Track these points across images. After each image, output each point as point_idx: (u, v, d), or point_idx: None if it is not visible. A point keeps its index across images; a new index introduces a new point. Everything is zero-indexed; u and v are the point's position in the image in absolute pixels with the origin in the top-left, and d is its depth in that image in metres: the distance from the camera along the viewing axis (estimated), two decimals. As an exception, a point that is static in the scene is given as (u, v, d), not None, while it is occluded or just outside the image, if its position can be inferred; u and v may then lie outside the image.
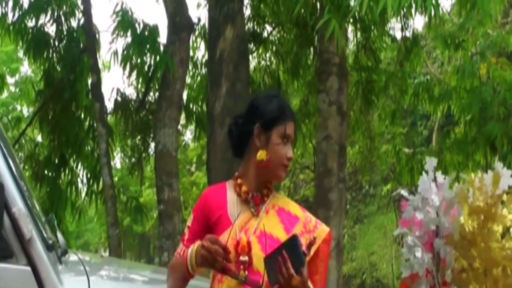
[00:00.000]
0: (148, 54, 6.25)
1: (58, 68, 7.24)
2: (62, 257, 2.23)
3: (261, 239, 1.93)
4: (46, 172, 7.24)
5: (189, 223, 2.04)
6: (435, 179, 2.36)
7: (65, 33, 7.13)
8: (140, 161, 7.70)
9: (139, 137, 7.57)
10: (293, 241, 1.80)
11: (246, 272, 1.87)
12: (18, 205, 2.00)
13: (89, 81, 6.98)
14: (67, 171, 7.23)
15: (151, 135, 7.54)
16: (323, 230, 2.05)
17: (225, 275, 1.83)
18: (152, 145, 7.76)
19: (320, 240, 2.01)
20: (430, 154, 7.17)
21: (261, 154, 1.97)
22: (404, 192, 2.39)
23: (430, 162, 2.37)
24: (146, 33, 6.24)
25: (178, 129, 6.16)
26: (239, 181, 2.04)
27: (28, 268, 1.99)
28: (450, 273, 2.15)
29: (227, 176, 6.07)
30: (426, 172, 2.34)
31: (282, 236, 1.94)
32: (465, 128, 7.27)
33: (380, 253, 15.04)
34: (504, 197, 2.12)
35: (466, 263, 2.10)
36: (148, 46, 6.06)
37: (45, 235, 2.13)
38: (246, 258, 1.88)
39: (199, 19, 7.60)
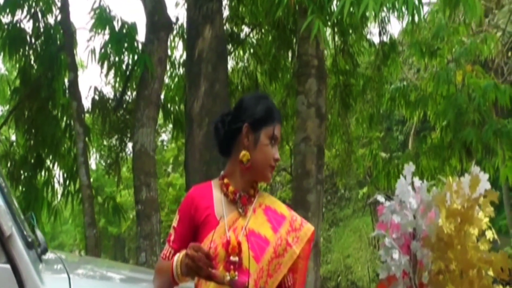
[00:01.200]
0: (126, 53, 6.18)
1: (35, 66, 7.13)
2: (42, 256, 2.20)
3: (250, 238, 1.93)
4: (22, 171, 7.12)
5: (174, 223, 2.01)
6: (412, 184, 2.39)
7: (42, 30, 7.02)
8: (117, 161, 7.62)
9: (116, 136, 7.50)
10: None
11: (236, 273, 1.86)
12: None
13: (66, 80, 6.91)
14: (43, 171, 7.12)
15: (128, 135, 7.50)
16: (308, 228, 2.05)
17: (211, 281, 1.81)
18: (129, 145, 7.73)
19: (306, 238, 2.02)
20: (407, 159, 7.25)
21: (244, 155, 1.97)
22: (380, 198, 2.43)
23: (408, 168, 2.38)
24: (124, 31, 6.18)
25: (156, 128, 6.10)
26: (225, 180, 2.02)
27: (8, 266, 1.95)
28: (427, 275, 2.16)
29: (205, 177, 6.09)
30: (404, 176, 2.35)
31: (270, 235, 1.96)
32: (441, 133, 7.36)
33: (355, 256, 15.15)
34: (481, 201, 2.15)
35: (443, 265, 2.12)
36: (126, 44, 5.99)
37: (25, 232, 2.09)
38: (237, 258, 1.87)
39: (177, 19, 7.61)
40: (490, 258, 2.10)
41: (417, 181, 2.38)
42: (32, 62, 7.19)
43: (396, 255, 2.32)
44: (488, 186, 2.19)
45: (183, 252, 1.80)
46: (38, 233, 2.44)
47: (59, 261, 2.51)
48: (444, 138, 7.23)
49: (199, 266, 1.72)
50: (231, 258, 1.87)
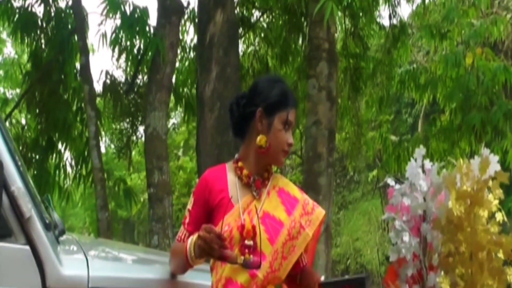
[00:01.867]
0: (138, 37, 6.20)
1: (46, 50, 7.16)
2: (59, 237, 2.21)
3: (264, 220, 1.94)
4: (33, 155, 7.18)
5: (189, 206, 2.03)
6: (422, 167, 2.40)
7: (53, 14, 7.04)
8: (128, 145, 7.67)
9: (127, 120, 7.54)
10: (362, 280, 1.88)
11: (251, 256, 1.88)
12: (17, 183, 1.97)
13: (78, 63, 6.93)
14: (54, 154, 7.16)
15: (140, 119, 7.54)
16: (320, 212, 2.08)
17: (224, 262, 1.84)
18: (140, 128, 7.78)
19: (318, 221, 2.05)
20: (417, 142, 7.25)
21: (260, 139, 1.97)
22: (390, 181, 2.46)
23: (419, 151, 2.40)
24: (136, 15, 6.19)
25: (168, 112, 6.15)
26: (239, 164, 2.03)
27: (27, 247, 1.96)
28: (437, 257, 2.20)
29: (216, 160, 6.14)
30: (415, 159, 2.37)
31: (284, 218, 1.98)
32: (450, 116, 7.34)
33: (364, 239, 15.20)
34: (490, 183, 2.16)
35: (452, 247, 2.15)
36: (138, 28, 6.01)
37: (43, 215, 2.10)
38: (251, 242, 1.89)
39: (188, 3, 7.58)
40: (500, 240, 2.12)
41: (427, 164, 2.40)
42: (43, 46, 7.21)
43: (406, 238, 2.34)
44: (498, 168, 2.19)
45: (196, 234, 1.82)
46: (55, 215, 2.43)
47: (75, 243, 2.52)
48: (453, 121, 7.22)
49: (211, 247, 1.73)
50: (246, 242, 1.89)
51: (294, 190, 2.08)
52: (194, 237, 1.83)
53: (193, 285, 2.18)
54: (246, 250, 1.88)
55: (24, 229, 1.96)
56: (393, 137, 8.52)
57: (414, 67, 7.80)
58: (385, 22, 9.95)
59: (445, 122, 7.54)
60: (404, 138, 8.48)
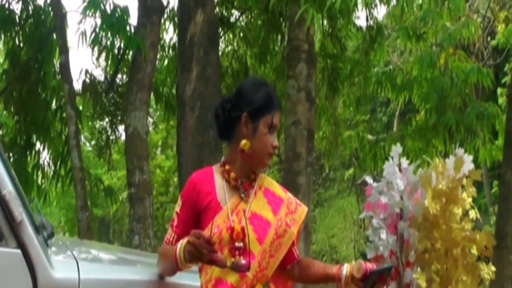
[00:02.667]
0: (118, 36, 6.19)
1: (24, 48, 7.11)
2: (48, 240, 2.20)
3: (253, 220, 1.98)
4: (11, 154, 7.11)
5: (177, 209, 2.04)
6: (399, 165, 2.46)
7: (31, 11, 6.98)
8: (107, 144, 7.65)
9: (106, 119, 7.52)
10: (390, 268, 2.11)
11: (241, 258, 1.91)
12: (8, 187, 1.96)
13: (56, 62, 6.87)
14: (33, 154, 7.11)
15: (119, 118, 7.52)
16: (302, 210, 2.13)
17: (213, 265, 1.86)
18: (120, 128, 7.76)
19: (301, 219, 2.10)
20: (392, 141, 7.39)
21: (244, 144, 1.98)
22: (369, 179, 2.51)
23: (396, 149, 2.46)
24: (117, 14, 6.19)
25: (148, 112, 6.16)
26: (226, 167, 2.04)
27: (19, 251, 1.95)
28: (413, 254, 2.28)
29: (197, 160, 6.17)
30: (392, 158, 2.43)
31: (271, 217, 2.03)
32: (425, 116, 7.51)
33: (340, 236, 15.36)
34: (464, 181, 2.26)
35: (429, 244, 2.23)
36: (118, 28, 6.00)
37: (32, 217, 2.11)
38: (241, 244, 1.92)
39: (168, 2, 7.57)
40: (474, 237, 2.21)
41: (404, 162, 2.46)
42: (21, 44, 7.15)
43: (384, 235, 2.40)
44: (471, 166, 2.28)
45: (186, 239, 1.83)
46: (44, 217, 2.42)
47: (63, 245, 2.50)
48: (428, 121, 7.39)
49: (201, 252, 1.75)
50: (236, 244, 1.92)
51: (278, 190, 2.12)
52: (183, 242, 1.85)
53: (183, 286, 2.21)
54: (237, 252, 1.91)
55: (15, 233, 1.95)
56: (369, 136, 8.65)
57: (390, 68, 7.92)
58: (362, 22, 10.06)
59: (420, 121, 7.70)
60: (380, 137, 8.60)
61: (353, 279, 2.03)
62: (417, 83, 7.48)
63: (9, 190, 1.96)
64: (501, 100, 9.61)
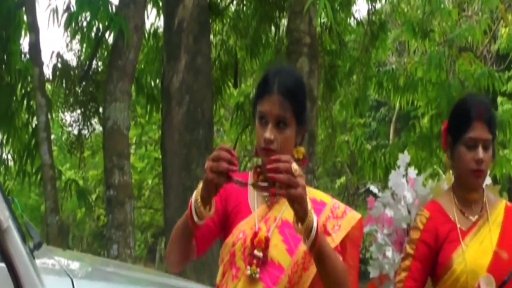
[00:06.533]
0: (97, 16, 5.52)
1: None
2: (34, 251, 1.89)
3: (283, 229, 1.77)
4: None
5: None
6: (406, 175, 2.39)
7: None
8: (79, 139, 6.95)
9: (79, 111, 6.83)
10: None
11: (258, 269, 1.72)
12: None
13: (25, 41, 6.28)
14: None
15: (92, 110, 6.85)
16: (352, 216, 1.85)
17: (231, 181, 1.60)
18: (93, 121, 7.12)
19: (349, 226, 1.81)
20: (394, 148, 6.91)
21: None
22: (374, 188, 2.44)
23: (403, 157, 2.38)
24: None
25: (130, 104, 5.47)
26: (258, 169, 1.85)
27: (3, 265, 1.68)
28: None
29: (185, 161, 5.49)
30: (398, 167, 2.37)
31: None
32: (430, 122, 7.06)
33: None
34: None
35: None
36: (98, 5, 5.33)
37: (19, 225, 1.89)
38: (261, 254, 1.72)
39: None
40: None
41: (411, 173, 2.38)
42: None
43: (389, 253, 2.32)
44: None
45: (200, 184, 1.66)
46: (28, 223, 2.17)
47: (51, 257, 2.23)
48: (433, 128, 6.89)
49: (218, 165, 1.53)
50: (255, 251, 1.73)
51: (322, 195, 1.89)
52: (198, 187, 1.65)
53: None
54: (254, 261, 1.72)
55: (0, 243, 1.65)
56: (368, 146, 8.15)
57: (393, 68, 7.49)
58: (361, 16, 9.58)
59: (424, 129, 7.25)
60: (380, 143, 8.14)
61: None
62: (422, 85, 7.00)
63: None
64: (501, 109, 9.20)
